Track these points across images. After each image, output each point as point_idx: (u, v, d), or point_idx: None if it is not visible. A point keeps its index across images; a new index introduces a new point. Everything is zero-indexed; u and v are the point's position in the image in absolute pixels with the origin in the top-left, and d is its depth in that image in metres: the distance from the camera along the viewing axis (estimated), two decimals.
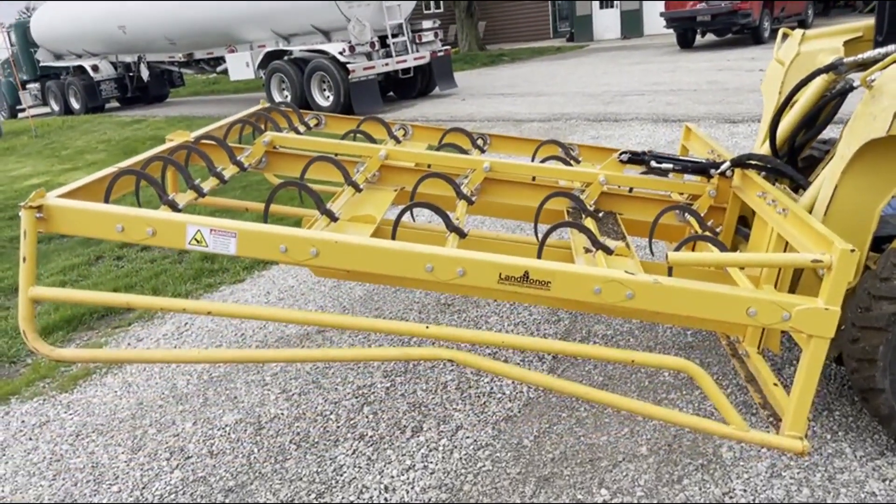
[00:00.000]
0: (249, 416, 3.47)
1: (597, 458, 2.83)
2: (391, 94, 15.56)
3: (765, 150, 3.50)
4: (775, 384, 2.56)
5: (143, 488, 3.04)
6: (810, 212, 2.75)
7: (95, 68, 19.74)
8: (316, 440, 3.20)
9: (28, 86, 22.11)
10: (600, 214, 3.13)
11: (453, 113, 12.34)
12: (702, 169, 3.30)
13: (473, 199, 3.16)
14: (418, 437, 3.12)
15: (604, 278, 2.21)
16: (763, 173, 3.09)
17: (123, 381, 4.01)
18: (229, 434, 3.34)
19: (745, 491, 2.54)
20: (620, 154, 3.38)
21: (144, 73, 19.33)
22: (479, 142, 4.21)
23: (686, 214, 3.21)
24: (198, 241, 2.27)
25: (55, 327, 4.92)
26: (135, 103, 21.45)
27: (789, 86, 3.42)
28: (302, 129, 4.23)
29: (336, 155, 3.51)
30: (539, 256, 2.70)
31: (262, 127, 4.22)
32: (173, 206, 2.70)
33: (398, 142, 4.21)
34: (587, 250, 2.79)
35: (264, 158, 3.44)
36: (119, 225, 2.30)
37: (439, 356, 2.35)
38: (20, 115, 22.37)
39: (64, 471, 3.23)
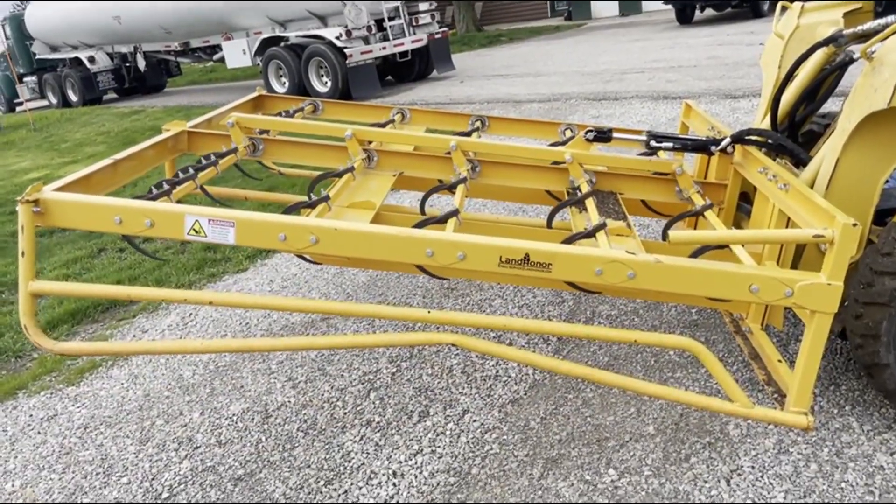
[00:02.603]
0: (256, 404, 3.48)
1: (604, 438, 2.83)
2: (389, 78, 15.49)
3: (765, 125, 3.48)
4: (779, 360, 2.55)
5: (153, 479, 3.06)
6: (812, 187, 2.73)
7: (92, 60, 19.66)
8: (323, 427, 3.21)
9: (25, 79, 22.03)
10: (601, 196, 3.11)
11: (452, 95, 12.29)
12: (702, 146, 3.28)
13: (474, 175, 3.14)
14: (425, 421, 3.13)
15: (605, 259, 2.21)
16: (764, 149, 3.07)
17: (130, 374, 4.02)
18: (237, 423, 3.36)
19: (752, 468, 2.54)
20: (586, 132, 3.36)
21: (141, 64, 19.25)
22: (477, 124, 4.18)
23: (685, 194, 3.19)
24: (196, 232, 2.27)
25: (60, 321, 4.94)
26: (133, 94, 21.38)
27: (789, 59, 3.39)
28: (298, 116, 4.21)
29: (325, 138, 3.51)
30: (550, 222, 2.70)
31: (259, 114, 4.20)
32: (169, 199, 2.70)
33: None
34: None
35: (261, 146, 3.43)
36: (117, 217, 2.30)
37: (442, 340, 2.35)
38: (18, 108, 22.33)
39: (73, 464, 3.25)
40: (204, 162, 3.15)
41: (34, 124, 16.22)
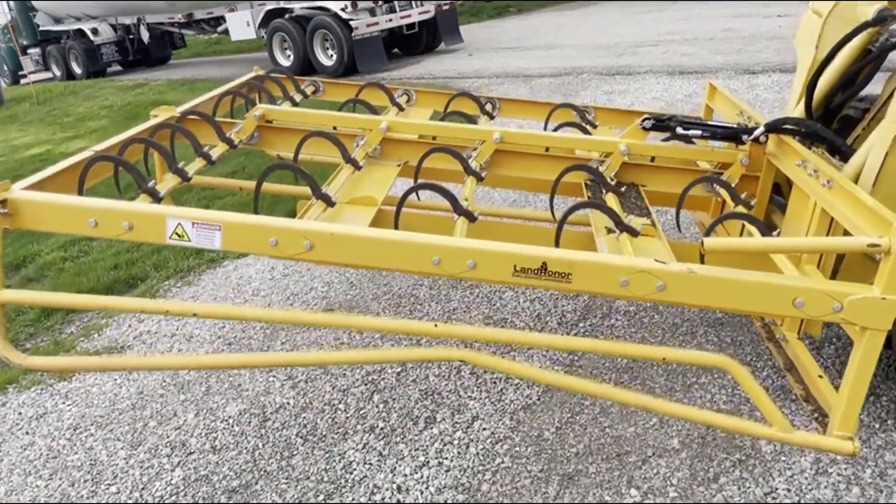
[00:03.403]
0: (254, 406, 3.29)
1: (624, 452, 2.63)
2: (396, 50, 15.11)
3: (798, 111, 3.23)
4: (820, 376, 2.33)
5: (143, 489, 2.88)
6: (856, 181, 2.50)
7: (95, 31, 19.31)
8: (324, 433, 3.02)
9: (29, 51, 21.70)
10: (622, 189, 2.88)
11: (460, 69, 11.96)
12: (733, 135, 3.03)
13: (483, 174, 2.92)
14: (431, 428, 2.93)
15: (631, 268, 1.99)
16: (798, 137, 2.83)
17: None
18: (233, 427, 3.17)
19: (788, 490, 2.34)
20: (643, 120, 3.11)
21: (144, 35, 18.90)
22: (488, 107, 3.94)
23: (716, 186, 2.95)
24: (179, 236, 2.08)
25: (54, 308, 4.75)
26: (137, 66, 21.04)
27: (827, 39, 3.12)
28: (298, 97, 3.97)
29: (334, 128, 3.26)
30: (557, 241, 2.46)
31: (256, 99, 3.96)
32: (153, 195, 2.48)
33: (401, 109, 3.94)
34: (609, 230, 2.55)
35: (256, 133, 3.21)
36: (92, 219, 2.11)
37: (450, 356, 2.16)
38: (22, 80, 22.05)
39: (61, 469, 3.07)
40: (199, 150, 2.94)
41: (37, 97, 15.96)
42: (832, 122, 3.11)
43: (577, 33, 14.58)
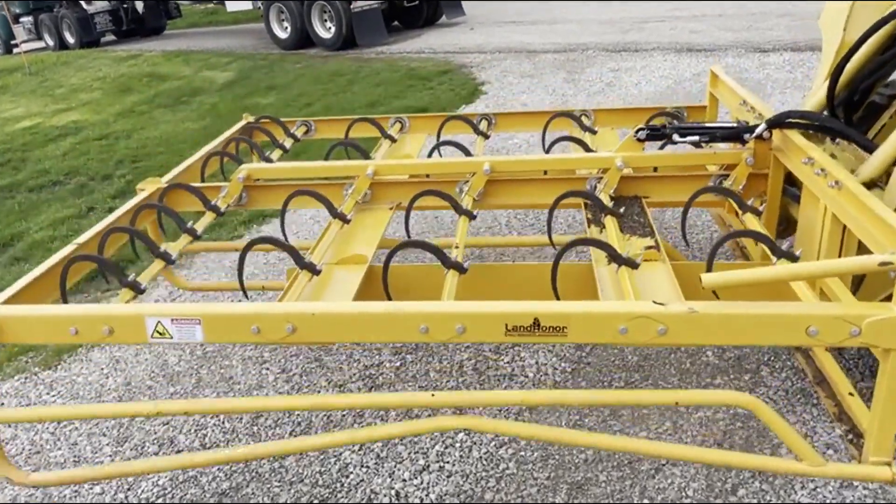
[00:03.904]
0: None
1: (636, 459, 2.49)
2: (396, 23, 14.80)
3: (818, 99, 3.05)
4: (851, 394, 2.17)
5: (128, 490, 2.74)
6: (876, 183, 2.33)
7: (89, 0, 18.95)
8: (319, 432, 2.88)
9: (21, 19, 21.29)
10: (621, 210, 2.68)
11: (461, 44, 11.69)
12: (734, 135, 2.84)
13: (475, 214, 2.75)
14: None
15: (629, 315, 1.84)
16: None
17: (111, 357, 3.69)
18: (223, 423, 3.03)
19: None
20: (637, 131, 2.91)
21: (139, 5, 18.56)
22: (483, 125, 3.77)
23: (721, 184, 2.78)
24: (161, 334, 2.01)
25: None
26: (131, 37, 20.66)
27: (856, 21, 2.93)
28: (289, 143, 3.79)
29: (324, 179, 3.13)
30: (554, 287, 2.28)
31: (246, 154, 3.84)
32: (135, 289, 2.41)
33: (393, 141, 3.76)
34: (611, 260, 2.39)
35: (244, 195, 3.09)
36: (72, 328, 2.03)
37: (450, 426, 2.11)
38: (14, 50, 21.68)
39: (43, 466, 2.93)
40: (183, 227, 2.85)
41: (29, 68, 15.65)
42: (857, 110, 2.94)
43: (580, 7, 14.28)
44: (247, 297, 2.69)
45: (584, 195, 2.74)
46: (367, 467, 2.65)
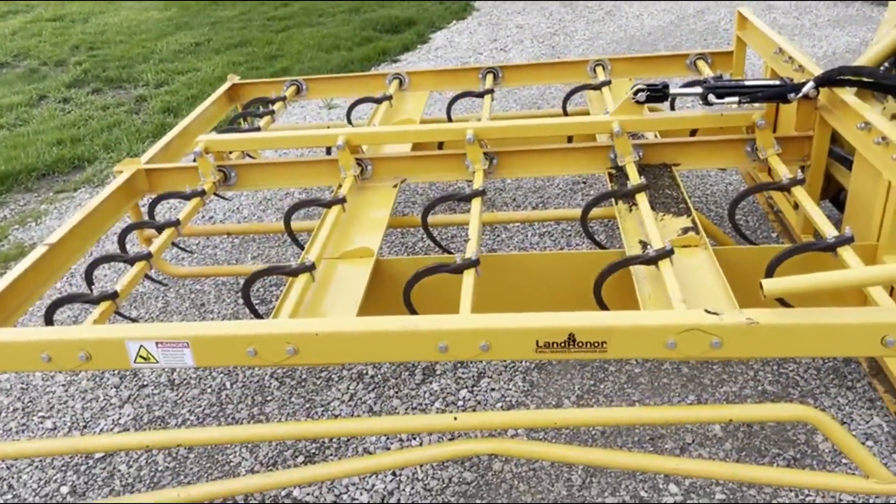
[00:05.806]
0: None
1: (659, 436, 2.27)
2: None
3: (882, 48, 2.76)
4: None
5: (85, 426, 2.44)
6: None
7: None
8: (303, 377, 2.60)
9: None
10: (648, 181, 2.36)
11: None
12: (777, 93, 2.52)
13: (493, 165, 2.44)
14: (431, 383, 2.52)
15: (678, 327, 1.57)
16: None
17: None
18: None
19: (853, 498, 2.01)
20: (636, 92, 2.56)
21: None
22: (490, 77, 3.41)
23: (760, 154, 2.50)
24: (144, 359, 1.73)
25: None
26: None
27: None
28: (277, 106, 3.32)
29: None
30: (598, 298, 1.97)
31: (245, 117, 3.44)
32: (112, 299, 2.05)
33: (390, 103, 3.30)
34: (644, 245, 2.09)
35: (233, 174, 2.69)
36: (45, 354, 1.74)
37: (477, 451, 1.90)
38: None
39: None
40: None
41: None
42: None
43: None
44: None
45: (609, 195, 2.40)
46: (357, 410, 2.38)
